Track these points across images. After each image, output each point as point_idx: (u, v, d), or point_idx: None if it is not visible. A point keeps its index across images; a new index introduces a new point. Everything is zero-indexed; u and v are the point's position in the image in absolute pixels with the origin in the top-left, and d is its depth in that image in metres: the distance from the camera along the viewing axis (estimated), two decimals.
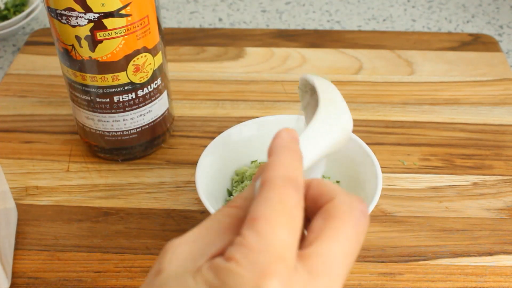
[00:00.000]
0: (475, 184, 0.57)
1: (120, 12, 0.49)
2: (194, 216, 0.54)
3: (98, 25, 0.49)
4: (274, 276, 0.24)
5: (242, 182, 0.53)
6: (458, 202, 0.55)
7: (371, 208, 0.46)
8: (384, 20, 0.82)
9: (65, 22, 0.49)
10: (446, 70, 0.71)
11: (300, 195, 0.27)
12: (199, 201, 0.54)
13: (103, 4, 0.47)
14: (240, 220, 0.28)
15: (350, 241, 0.27)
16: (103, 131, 0.56)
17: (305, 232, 0.28)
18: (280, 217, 0.26)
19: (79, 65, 0.52)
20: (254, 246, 0.25)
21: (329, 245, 0.27)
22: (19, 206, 0.55)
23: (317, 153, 0.36)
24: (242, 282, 0.24)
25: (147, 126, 0.57)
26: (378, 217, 0.54)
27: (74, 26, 0.49)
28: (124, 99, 0.54)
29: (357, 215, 0.28)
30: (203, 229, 0.28)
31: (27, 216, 0.54)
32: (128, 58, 0.51)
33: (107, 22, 0.49)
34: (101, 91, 0.53)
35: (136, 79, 0.53)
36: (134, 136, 0.57)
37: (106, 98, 0.53)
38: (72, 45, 0.50)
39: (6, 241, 0.48)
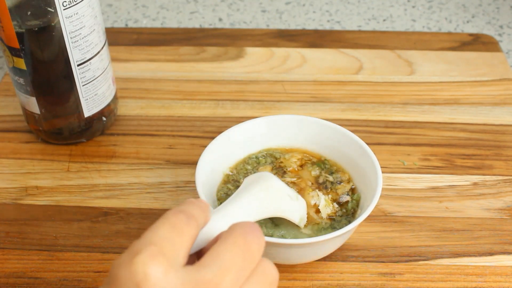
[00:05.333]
0: (475, 184, 0.57)
1: None
2: None
3: None
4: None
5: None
6: (458, 202, 0.55)
7: (371, 208, 0.46)
8: (384, 20, 0.82)
9: None
10: (446, 70, 0.71)
11: None
12: None
13: None
14: None
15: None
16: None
17: None
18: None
19: None
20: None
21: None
22: (19, 206, 0.55)
23: None
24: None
25: None
26: (378, 217, 0.54)
27: None
28: None
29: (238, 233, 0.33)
30: None
31: (27, 216, 0.54)
32: None
33: None
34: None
35: None
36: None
37: None
38: None
39: None
